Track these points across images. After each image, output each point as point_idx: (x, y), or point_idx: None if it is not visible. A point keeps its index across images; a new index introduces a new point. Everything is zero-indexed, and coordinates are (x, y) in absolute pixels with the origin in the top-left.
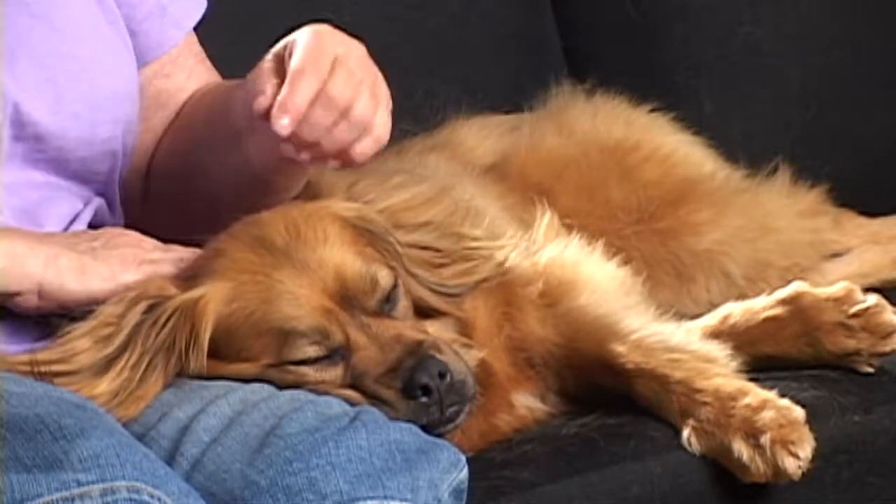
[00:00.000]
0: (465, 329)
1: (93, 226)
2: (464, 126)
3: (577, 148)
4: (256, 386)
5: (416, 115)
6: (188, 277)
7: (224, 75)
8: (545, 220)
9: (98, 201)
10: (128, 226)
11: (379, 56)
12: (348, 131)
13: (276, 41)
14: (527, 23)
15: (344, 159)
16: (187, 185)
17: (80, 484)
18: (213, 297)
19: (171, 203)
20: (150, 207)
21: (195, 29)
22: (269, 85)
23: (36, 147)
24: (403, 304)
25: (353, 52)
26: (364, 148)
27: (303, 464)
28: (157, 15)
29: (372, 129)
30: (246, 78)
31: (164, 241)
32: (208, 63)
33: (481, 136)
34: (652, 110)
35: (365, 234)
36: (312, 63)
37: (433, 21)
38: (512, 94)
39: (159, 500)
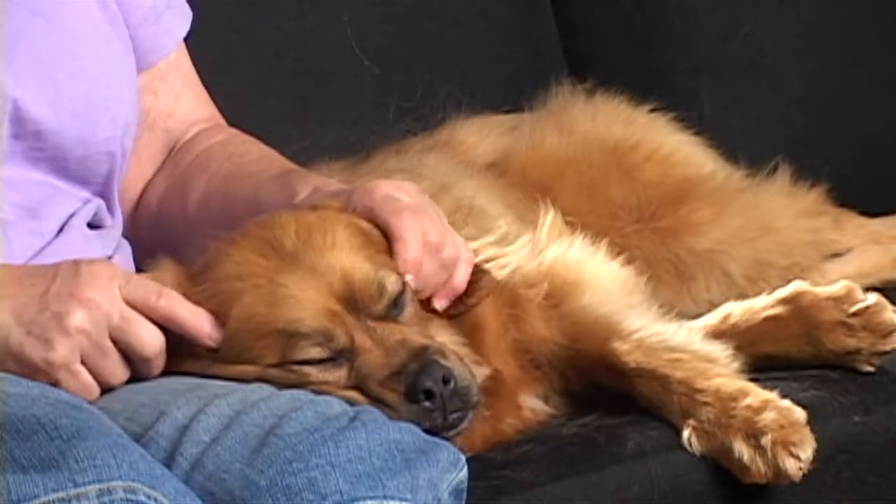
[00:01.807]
0: (472, 332)
1: (92, 225)
2: (464, 126)
3: (577, 148)
4: (255, 386)
5: (416, 115)
6: (194, 275)
7: (225, 73)
8: (549, 219)
9: (97, 201)
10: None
11: (379, 56)
12: (445, 271)
13: (276, 41)
14: (527, 23)
15: (448, 293)
16: (182, 242)
17: (76, 484)
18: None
19: (159, 244)
20: (134, 234)
21: (193, 34)
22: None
23: (35, 145)
24: (410, 310)
25: (418, 196)
26: (463, 275)
27: (302, 464)
28: (151, 21)
29: (460, 256)
30: (275, 184)
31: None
32: (198, 88)
33: (481, 135)
34: (652, 110)
35: (376, 241)
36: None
37: (433, 21)
38: (512, 94)
39: (156, 500)
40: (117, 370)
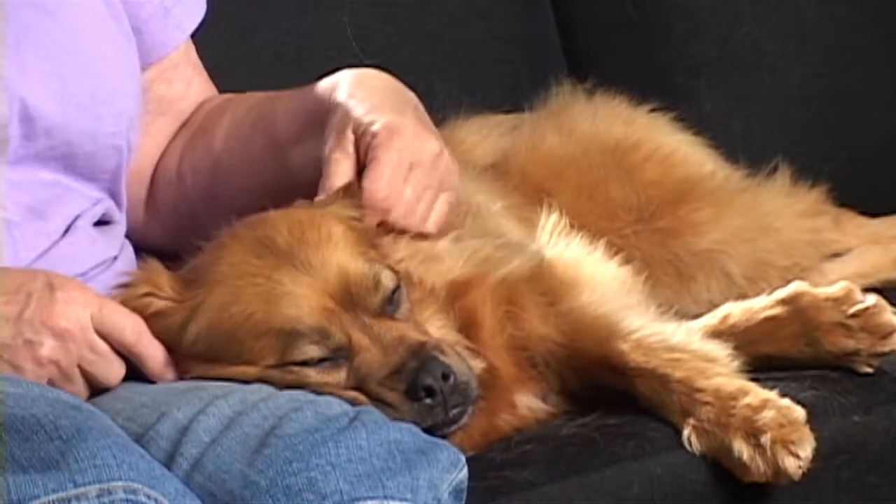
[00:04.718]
0: (469, 329)
1: (103, 221)
2: (464, 126)
3: (577, 147)
4: (255, 386)
5: None
6: (189, 280)
7: (225, 73)
8: (551, 220)
9: (106, 202)
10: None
11: (379, 56)
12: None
13: (276, 41)
14: (527, 23)
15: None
16: (207, 194)
17: (76, 485)
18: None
19: (181, 211)
20: (153, 213)
21: (196, 31)
22: (337, 176)
23: (46, 143)
24: (406, 307)
25: (427, 155)
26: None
27: (302, 464)
28: (160, 15)
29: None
30: (292, 93)
31: (163, 247)
32: (205, 75)
33: (481, 135)
34: (652, 110)
35: (369, 237)
36: (397, 193)
37: (433, 21)
38: (512, 94)
39: (156, 500)
40: (80, 393)
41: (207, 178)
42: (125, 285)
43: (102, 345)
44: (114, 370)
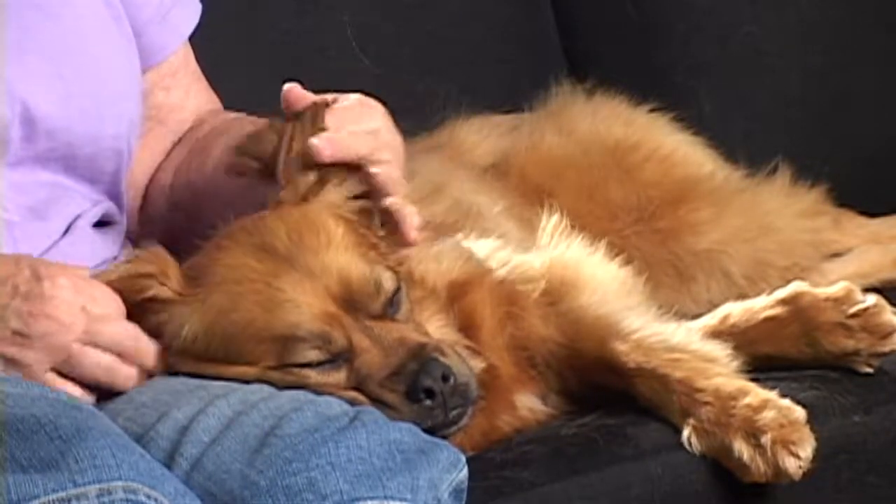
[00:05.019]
0: (469, 329)
1: (103, 221)
2: (464, 126)
3: (576, 148)
4: (256, 386)
5: (416, 115)
6: (190, 277)
7: (225, 73)
8: (552, 221)
9: (106, 203)
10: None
11: (379, 56)
12: None
13: (276, 41)
14: (527, 23)
15: None
16: (198, 211)
17: (76, 485)
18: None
19: (174, 223)
20: (147, 221)
21: (194, 32)
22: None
23: (47, 145)
24: (407, 307)
25: (388, 128)
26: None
27: (302, 464)
28: (159, 18)
29: None
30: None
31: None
32: (205, 82)
33: (481, 135)
34: (652, 110)
35: (367, 235)
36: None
37: (433, 21)
38: (512, 94)
39: (156, 500)
40: (95, 368)
41: (200, 196)
42: (128, 261)
43: (94, 326)
44: (115, 331)
